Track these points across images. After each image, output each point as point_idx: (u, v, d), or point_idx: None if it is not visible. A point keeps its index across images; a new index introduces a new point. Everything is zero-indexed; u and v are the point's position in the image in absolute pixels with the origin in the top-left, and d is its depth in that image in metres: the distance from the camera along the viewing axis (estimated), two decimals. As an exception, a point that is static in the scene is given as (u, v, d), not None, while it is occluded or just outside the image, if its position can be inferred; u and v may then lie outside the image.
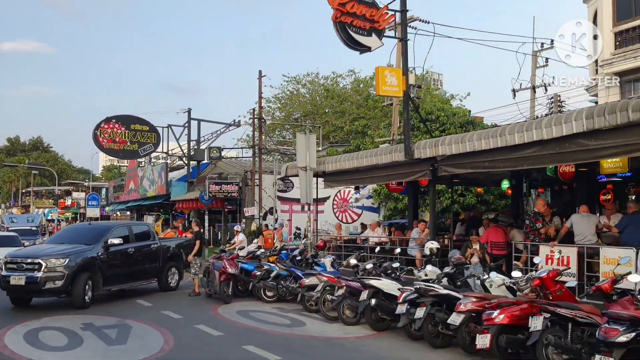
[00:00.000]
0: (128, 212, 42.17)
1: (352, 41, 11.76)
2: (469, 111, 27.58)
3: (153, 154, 30.72)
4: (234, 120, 28.74)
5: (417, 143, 12.18)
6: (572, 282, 7.60)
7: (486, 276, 8.43)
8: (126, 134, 26.93)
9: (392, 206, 23.44)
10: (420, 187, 16.11)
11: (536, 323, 6.52)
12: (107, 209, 44.04)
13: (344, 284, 9.81)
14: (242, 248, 14.64)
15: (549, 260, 9.84)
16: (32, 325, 9.58)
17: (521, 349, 6.84)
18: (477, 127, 22.78)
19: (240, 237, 14.93)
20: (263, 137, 38.81)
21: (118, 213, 43.71)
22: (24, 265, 11.07)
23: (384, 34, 12.19)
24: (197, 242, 13.40)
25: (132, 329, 9.42)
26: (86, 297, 11.24)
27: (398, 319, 8.59)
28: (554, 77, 28.31)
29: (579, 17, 18.72)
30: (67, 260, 11.12)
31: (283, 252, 13.97)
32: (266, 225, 20.79)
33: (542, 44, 25.53)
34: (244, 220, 22.79)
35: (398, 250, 12.25)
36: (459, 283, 8.95)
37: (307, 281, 10.99)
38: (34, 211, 51.90)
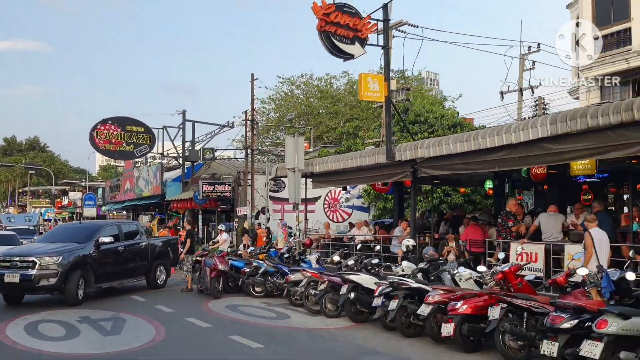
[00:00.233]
0: (124, 212, 42.68)
1: (336, 49, 12.36)
2: (457, 113, 28.19)
3: (148, 155, 31.29)
4: (228, 122, 29.36)
5: (398, 146, 12.79)
6: (530, 276, 8.23)
7: (456, 271, 9.05)
8: (122, 135, 27.48)
9: (382, 206, 24.05)
10: (405, 187, 16.72)
11: (494, 312, 7.15)
12: (103, 208, 44.54)
13: (326, 279, 10.42)
14: (232, 246, 15.26)
15: (520, 257, 10.47)
16: (31, 319, 10.10)
17: (482, 337, 7.45)
18: (465, 129, 23.42)
19: (224, 237, 15.42)
20: (256, 138, 39.40)
21: (114, 213, 44.21)
22: (18, 263, 11.25)
23: (367, 42, 12.78)
24: (189, 241, 13.99)
25: (126, 321, 10.00)
26: (79, 294, 11.51)
27: (375, 311, 9.21)
28: (540, 80, 29.12)
29: (563, 22, 19.41)
30: (61, 258, 11.37)
31: (272, 249, 14.57)
32: (259, 224, 21.38)
33: (529, 47, 26.23)
34: (236, 220, 23.38)
35: (378, 247, 12.86)
36: (432, 277, 9.57)
37: (293, 277, 11.59)
38: (30, 211, 52.38)
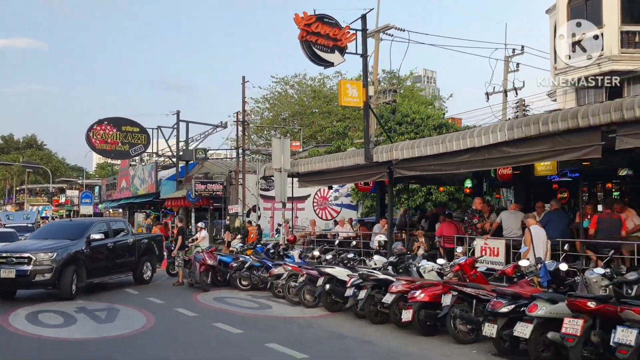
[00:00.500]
0: (120, 210, 43.47)
1: (317, 57, 13.20)
2: (444, 114, 29.04)
3: (143, 154, 32.09)
4: (221, 122, 30.21)
5: (375, 148, 13.62)
6: (482, 267, 9.08)
7: (420, 264, 9.92)
8: (117, 135, 28.30)
9: (369, 204, 24.91)
10: (387, 186, 17.57)
11: (446, 300, 8.01)
12: (100, 206, 45.30)
13: (304, 272, 11.27)
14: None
15: (483, 251, 11.35)
16: (31, 309, 10.91)
17: (437, 322, 8.31)
18: (450, 130, 24.29)
19: (202, 234, 15.92)
20: (248, 138, 40.20)
21: (111, 210, 44.99)
22: (14, 259, 11.61)
23: (347, 51, 13.61)
24: (180, 238, 14.82)
25: (119, 311, 10.85)
26: (72, 289, 11.96)
27: (348, 301, 10.05)
28: (524, 82, 30.07)
29: (544, 26, 20.28)
30: (55, 254, 11.80)
31: (259, 245, 15.43)
32: (249, 222, 22.20)
33: (514, 49, 27.16)
34: (228, 217, 24.22)
35: (353, 242, 13.73)
36: (400, 270, 10.43)
37: (275, 271, 12.45)
38: (28, 208, 53.11)
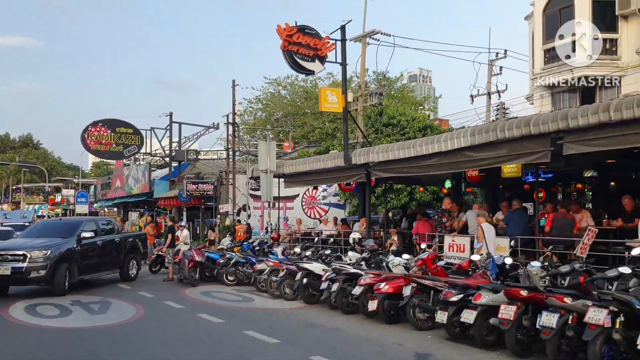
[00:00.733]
0: (115, 209, 44.19)
1: (298, 66, 14.04)
2: (428, 116, 29.89)
3: (137, 155, 32.87)
4: (213, 123, 31.02)
5: (354, 151, 14.46)
6: (442, 262, 9.94)
7: (389, 259, 10.77)
8: (112, 137, 29.08)
9: (356, 203, 25.78)
10: (369, 186, 18.42)
11: (407, 291, 8.86)
12: (95, 205, 46.02)
13: (284, 267, 12.12)
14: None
15: (451, 248, 12.21)
16: (29, 302, 11.69)
17: (399, 311, 9.16)
18: (435, 131, 25.18)
19: (184, 233, 16.56)
20: (240, 139, 40.95)
21: (106, 209, 45.71)
22: (9, 257, 12.00)
23: (327, 60, 14.45)
24: (169, 236, 15.63)
25: (111, 304, 11.68)
26: (65, 286, 12.40)
27: (323, 294, 10.90)
28: (506, 85, 31.02)
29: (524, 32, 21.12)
30: (49, 251, 12.25)
31: (245, 243, 16.26)
32: (238, 220, 23.05)
33: (497, 53, 28.06)
34: (218, 216, 25.04)
35: (331, 240, 14.58)
36: (372, 265, 11.28)
37: (259, 266, 13.28)
38: (24, 207, 53.73)
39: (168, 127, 31.08)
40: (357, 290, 9.74)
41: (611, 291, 6.71)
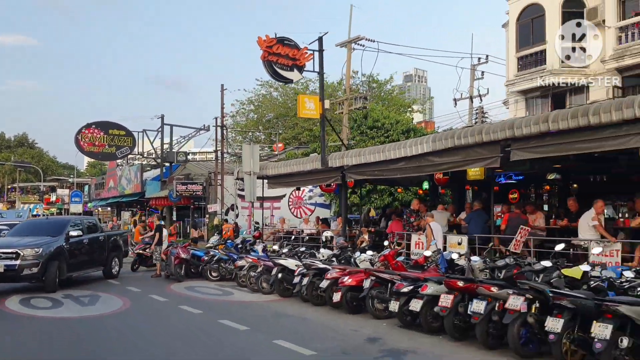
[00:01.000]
0: (109, 208, 45.01)
1: (278, 75, 14.98)
2: (412, 119, 30.84)
3: (129, 156, 33.74)
4: (204, 125, 31.85)
5: (330, 155, 15.40)
6: (401, 258, 10.88)
7: (356, 255, 11.72)
8: (105, 138, 29.94)
9: (341, 203, 26.75)
10: (348, 188, 19.37)
11: (366, 283, 9.80)
12: (89, 205, 46.83)
13: (262, 263, 13.03)
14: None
15: (417, 245, 13.16)
16: (24, 296, 12.56)
17: (360, 302, 10.10)
18: (418, 134, 26.16)
19: (165, 232, 17.34)
20: (234, 139, 41.78)
21: (99, 209, 46.51)
22: (2, 255, 12.37)
23: (305, 69, 15.38)
24: (157, 234, 16.53)
25: (100, 297, 12.58)
26: (56, 282, 12.89)
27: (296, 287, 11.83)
28: (488, 89, 32.03)
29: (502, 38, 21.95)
30: (41, 249, 12.70)
31: (229, 241, 17.18)
32: (225, 220, 23.94)
33: (479, 59, 29.04)
34: (207, 216, 25.94)
35: (306, 238, 15.53)
36: (342, 261, 12.21)
37: (239, 263, 14.19)
38: (19, 207, 54.44)
39: (159, 130, 31.95)
40: (324, 284, 10.67)
41: (537, 282, 7.66)
